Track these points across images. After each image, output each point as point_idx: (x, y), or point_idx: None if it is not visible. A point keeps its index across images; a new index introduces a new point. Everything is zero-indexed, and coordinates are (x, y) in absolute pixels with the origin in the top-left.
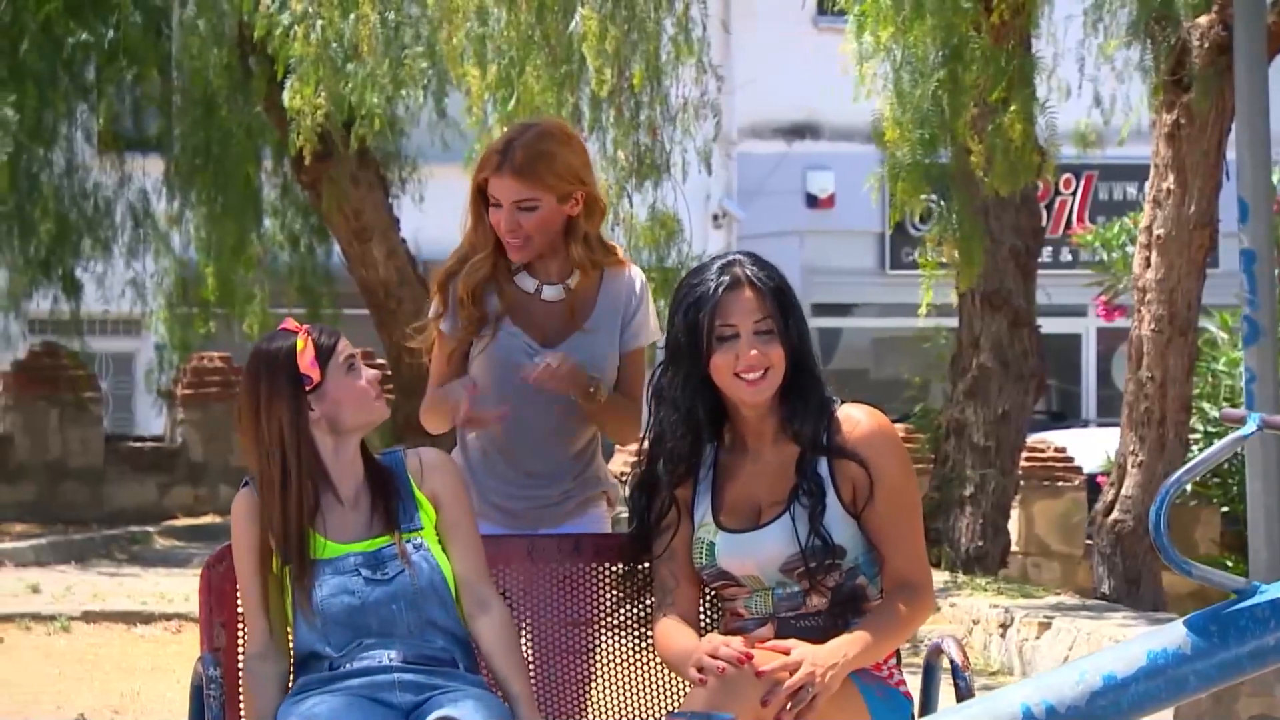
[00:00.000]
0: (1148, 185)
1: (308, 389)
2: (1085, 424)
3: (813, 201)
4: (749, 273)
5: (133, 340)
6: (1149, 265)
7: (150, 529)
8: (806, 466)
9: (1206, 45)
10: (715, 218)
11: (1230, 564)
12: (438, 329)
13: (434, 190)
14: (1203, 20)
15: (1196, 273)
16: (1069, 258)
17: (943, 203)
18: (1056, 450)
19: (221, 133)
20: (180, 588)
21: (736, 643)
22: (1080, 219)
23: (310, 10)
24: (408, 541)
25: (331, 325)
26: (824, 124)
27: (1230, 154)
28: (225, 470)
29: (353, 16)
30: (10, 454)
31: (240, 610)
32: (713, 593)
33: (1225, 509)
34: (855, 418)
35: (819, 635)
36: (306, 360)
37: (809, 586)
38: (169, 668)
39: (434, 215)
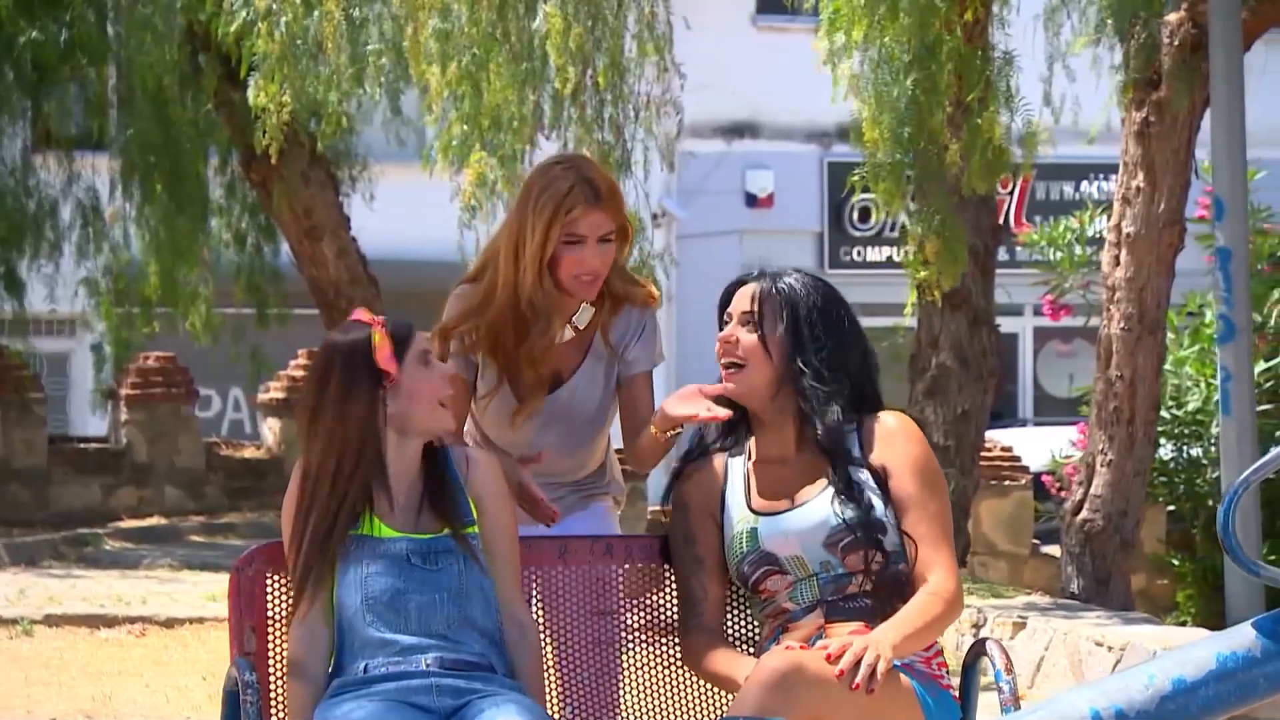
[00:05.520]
0: (1116, 183)
1: (385, 385)
2: (1024, 423)
3: (752, 201)
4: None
5: (67, 340)
6: (1118, 264)
7: (100, 531)
8: (838, 464)
9: (1176, 43)
10: (655, 217)
11: (1176, 563)
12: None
13: (384, 189)
14: (1172, 18)
15: (1166, 271)
16: (1006, 257)
17: (917, 202)
18: (1003, 450)
19: (171, 130)
20: (136, 590)
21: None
22: (1018, 219)
23: (274, 7)
24: (467, 534)
25: (402, 319)
26: (764, 123)
27: (1199, 153)
28: (170, 471)
29: (317, 13)
30: None
31: (270, 615)
32: (760, 594)
33: (1171, 508)
34: (883, 420)
35: (868, 617)
36: (384, 354)
37: (855, 561)
38: (136, 671)
39: (384, 214)
